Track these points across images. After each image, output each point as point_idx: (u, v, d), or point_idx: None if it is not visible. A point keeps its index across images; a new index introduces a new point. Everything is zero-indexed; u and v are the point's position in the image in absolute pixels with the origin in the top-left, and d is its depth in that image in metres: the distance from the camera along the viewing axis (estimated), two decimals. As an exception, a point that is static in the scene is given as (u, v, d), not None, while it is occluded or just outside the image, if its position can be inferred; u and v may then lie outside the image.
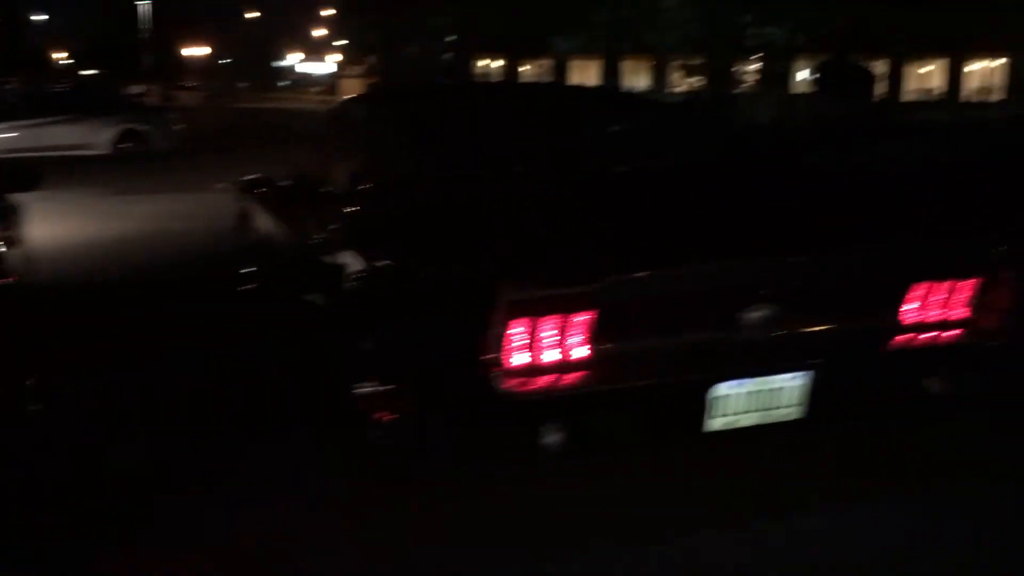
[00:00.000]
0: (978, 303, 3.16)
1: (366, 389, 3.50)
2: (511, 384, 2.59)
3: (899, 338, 3.10)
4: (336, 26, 68.53)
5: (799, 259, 2.95)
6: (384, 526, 3.12)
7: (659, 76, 38.60)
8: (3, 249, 3.35)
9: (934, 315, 3.13)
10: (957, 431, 3.74)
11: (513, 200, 3.10)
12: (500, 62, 44.85)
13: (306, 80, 74.38)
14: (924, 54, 33.74)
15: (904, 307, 3.11)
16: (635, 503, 3.21)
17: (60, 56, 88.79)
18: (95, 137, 16.76)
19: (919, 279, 3.09)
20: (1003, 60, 35.77)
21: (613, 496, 3.26)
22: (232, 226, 5.96)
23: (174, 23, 74.65)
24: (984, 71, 36.89)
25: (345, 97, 5.83)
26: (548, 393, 2.65)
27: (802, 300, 2.94)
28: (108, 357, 4.93)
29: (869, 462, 3.54)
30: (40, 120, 16.40)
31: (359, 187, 3.80)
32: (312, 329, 4.01)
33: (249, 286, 5.73)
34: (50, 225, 8.84)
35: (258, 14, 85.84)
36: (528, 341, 2.63)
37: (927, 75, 37.22)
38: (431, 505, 3.23)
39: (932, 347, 3.11)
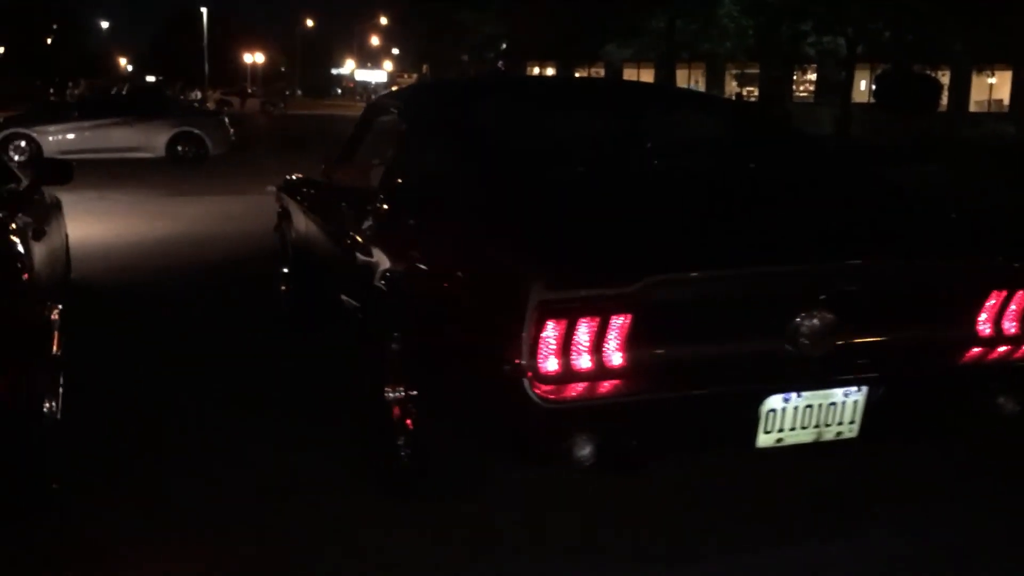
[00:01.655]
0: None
1: (393, 394, 3.35)
2: (543, 391, 2.39)
3: (972, 352, 2.85)
4: (391, 35, 69.14)
5: (863, 264, 2.71)
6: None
7: (714, 85, 38.19)
8: (23, 243, 3.24)
9: (1011, 327, 2.87)
10: None
11: (549, 197, 2.91)
12: (551, 70, 44.79)
13: (363, 88, 75.10)
14: (991, 64, 32.86)
15: (979, 318, 2.86)
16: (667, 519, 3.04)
17: (122, 61, 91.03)
18: (151, 140, 16.95)
19: (995, 288, 2.83)
20: (1072, 71, 34.74)
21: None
22: (273, 226, 5.90)
23: (233, 30, 76.11)
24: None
25: (381, 93, 5.73)
26: (583, 401, 2.45)
27: (863, 309, 2.71)
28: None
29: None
30: (98, 122, 16.64)
31: (390, 186, 3.66)
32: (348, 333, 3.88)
33: (285, 286, 5.66)
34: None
35: (315, 23, 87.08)
36: (562, 345, 2.43)
37: (994, 87, 36.28)
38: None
39: (1008, 362, 2.85)
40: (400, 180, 3.59)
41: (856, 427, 2.75)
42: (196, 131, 17.32)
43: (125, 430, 3.88)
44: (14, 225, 3.31)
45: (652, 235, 2.61)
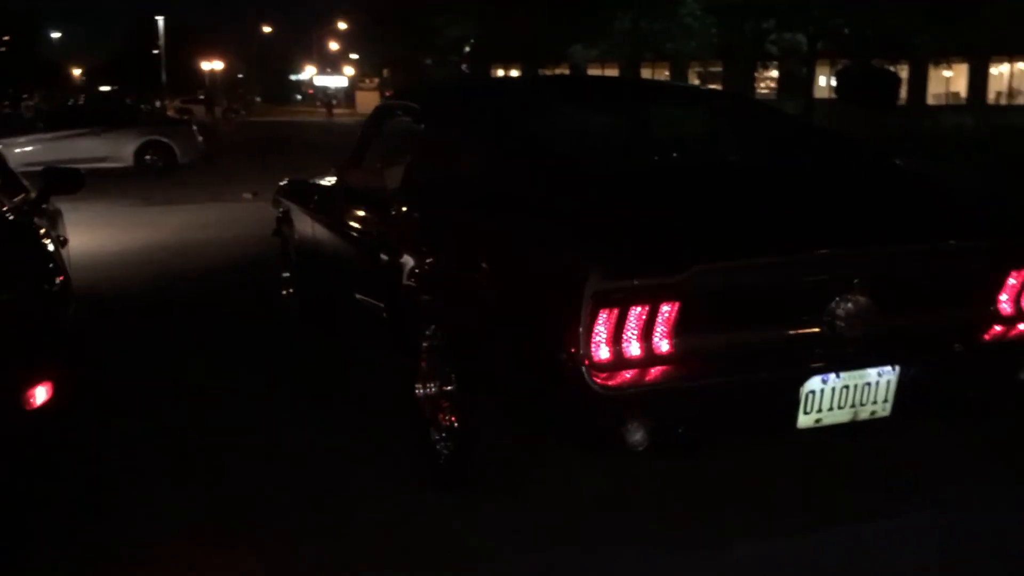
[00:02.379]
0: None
1: (424, 391, 3.38)
2: (600, 378, 2.45)
3: (995, 330, 2.95)
4: (350, 40, 68.82)
5: (893, 247, 2.80)
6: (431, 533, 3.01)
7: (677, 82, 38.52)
8: (54, 248, 3.25)
9: (1032, 305, 2.98)
10: None
11: (596, 191, 2.95)
12: (516, 72, 44.90)
13: (323, 93, 74.64)
14: (947, 58, 33.51)
15: (1000, 297, 2.96)
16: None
17: (76, 72, 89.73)
18: (119, 150, 16.74)
19: (1014, 268, 2.94)
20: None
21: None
22: (273, 230, 5.89)
23: (190, 38, 75.29)
24: (1005, 75, 36.64)
25: (391, 95, 5.75)
26: (634, 388, 2.50)
27: (894, 291, 2.79)
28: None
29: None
30: (65, 133, 16.37)
31: (415, 186, 3.68)
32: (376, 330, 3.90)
33: (289, 290, 5.66)
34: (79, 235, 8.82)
35: (273, 29, 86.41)
36: (614, 333, 2.48)
37: (951, 80, 36.99)
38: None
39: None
40: (424, 178, 3.62)
41: (889, 406, 2.84)
42: (164, 140, 17.11)
43: (154, 432, 3.91)
44: (44, 232, 3.31)
45: (698, 225, 2.68)
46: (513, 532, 3.00)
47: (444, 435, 3.26)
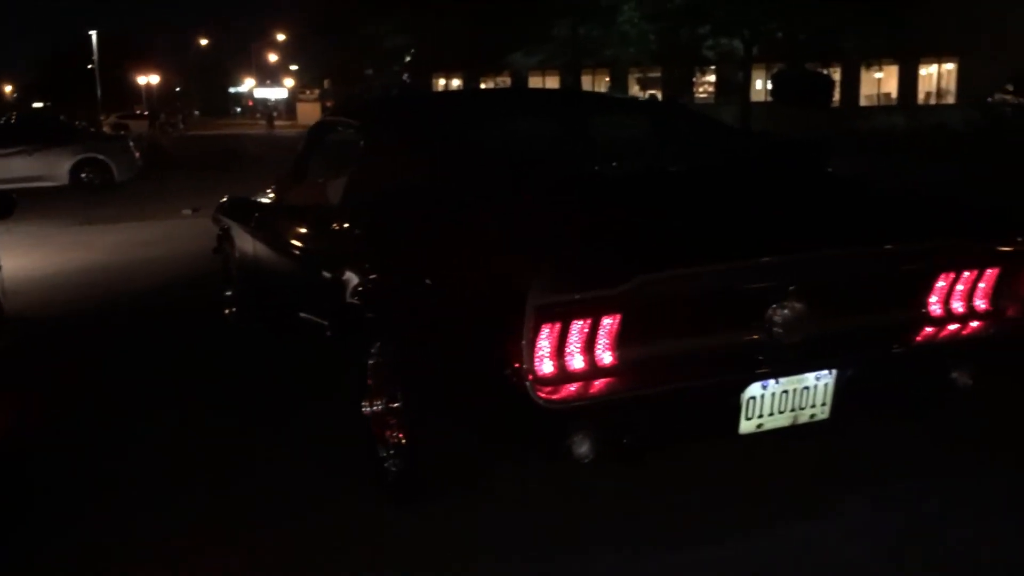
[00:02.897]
0: (1001, 294, 3.11)
1: (371, 408, 3.37)
2: (542, 392, 2.46)
3: (927, 331, 3.04)
4: (290, 51, 68.26)
5: (824, 254, 2.87)
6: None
7: (618, 89, 38.89)
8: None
9: (960, 307, 3.07)
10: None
11: (534, 204, 2.98)
12: (457, 81, 44.92)
13: (263, 105, 73.85)
14: (878, 60, 34.34)
15: (931, 300, 3.05)
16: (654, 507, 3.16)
17: (8, 89, 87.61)
18: (53, 168, 16.38)
19: (943, 271, 3.03)
20: (951, 65, 36.57)
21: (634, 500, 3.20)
22: (213, 248, 5.81)
23: (125, 52, 73.93)
24: (934, 75, 37.67)
25: (328, 112, 5.73)
26: (579, 400, 2.53)
27: (828, 296, 2.86)
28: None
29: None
30: (-9, 153, 15.95)
31: (357, 201, 3.67)
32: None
33: (231, 308, 5.60)
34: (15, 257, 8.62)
35: (210, 41, 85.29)
36: (556, 347, 2.51)
37: (882, 81, 37.92)
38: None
39: (959, 339, 3.05)
40: (365, 193, 3.61)
41: (828, 408, 2.91)
42: (101, 157, 16.79)
43: (109, 448, 3.90)
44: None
45: (636, 237, 2.71)
46: (473, 539, 3.02)
47: (392, 452, 3.26)
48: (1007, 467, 3.47)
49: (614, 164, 3.64)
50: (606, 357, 2.58)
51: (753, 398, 2.78)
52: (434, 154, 3.48)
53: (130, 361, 5.32)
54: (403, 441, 3.19)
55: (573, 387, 2.53)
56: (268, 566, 2.95)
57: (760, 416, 2.81)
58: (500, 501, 3.28)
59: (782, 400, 2.84)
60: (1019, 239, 3.09)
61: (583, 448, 2.56)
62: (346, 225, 3.63)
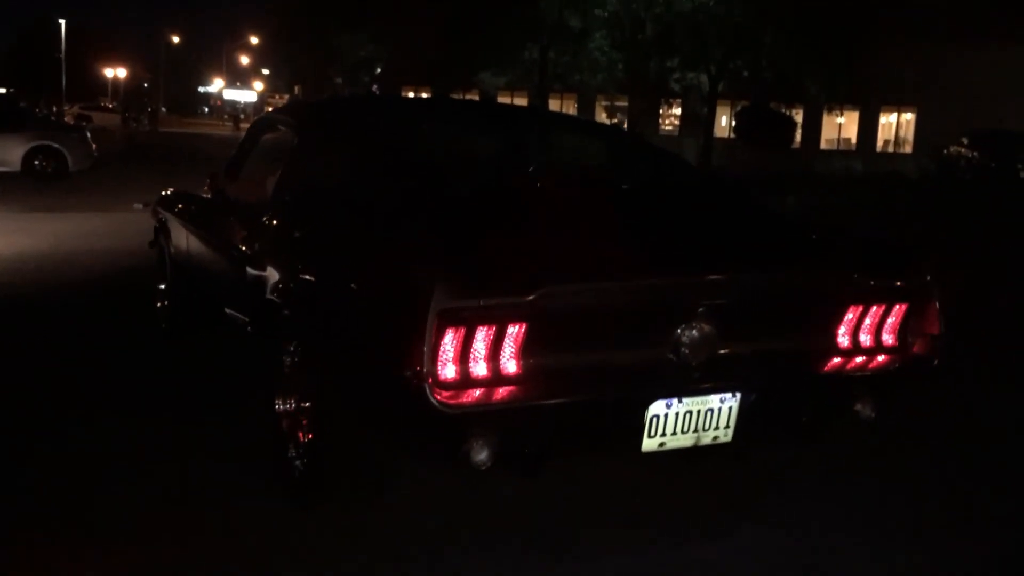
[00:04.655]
0: (907, 329, 3.18)
1: (283, 406, 3.36)
2: (443, 397, 2.47)
3: (833, 362, 3.09)
4: (262, 54, 67.94)
5: (735, 277, 2.92)
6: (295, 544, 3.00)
7: (585, 115, 39.20)
8: None
9: (867, 340, 3.13)
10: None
11: (447, 209, 3.00)
12: (426, 95, 45.00)
13: (231, 107, 73.27)
14: (840, 105, 35.02)
15: (839, 331, 3.11)
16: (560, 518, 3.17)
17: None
18: (6, 154, 16.12)
19: (852, 303, 3.09)
20: (910, 115, 37.43)
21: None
22: (149, 241, 5.76)
23: (93, 43, 73.05)
24: (893, 124, 38.51)
25: (269, 110, 5.73)
26: (480, 407, 2.53)
27: (736, 320, 2.91)
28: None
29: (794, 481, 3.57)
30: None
31: (281, 198, 3.67)
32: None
33: (163, 302, 5.54)
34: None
35: (181, 39, 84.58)
36: (460, 352, 2.52)
37: (843, 126, 38.67)
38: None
39: (865, 372, 3.11)
40: (292, 192, 3.62)
41: (731, 432, 2.95)
42: (55, 145, 16.57)
43: (15, 445, 3.80)
44: None
45: (546, 248, 2.73)
46: (362, 539, 3.03)
47: (301, 451, 3.24)
48: (894, 491, 3.59)
49: (534, 177, 3.67)
50: (510, 365, 2.59)
51: (656, 416, 2.80)
52: (356, 156, 3.49)
53: (45, 352, 5.23)
54: (312, 440, 3.18)
55: (474, 393, 2.54)
56: (167, 566, 2.92)
57: (663, 435, 2.84)
58: (403, 502, 3.29)
59: (686, 420, 2.87)
60: (927, 277, 3.17)
61: (481, 455, 2.56)
62: (271, 222, 3.63)
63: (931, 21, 31.59)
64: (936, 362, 3.17)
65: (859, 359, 3.14)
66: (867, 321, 3.13)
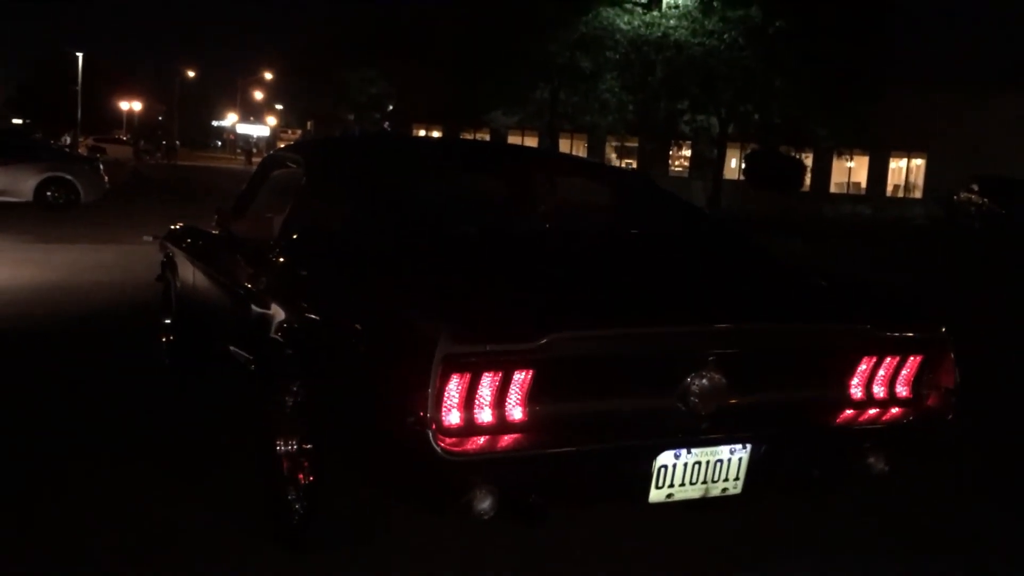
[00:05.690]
0: (921, 382, 3.12)
1: (284, 447, 3.31)
2: (446, 443, 2.42)
3: (846, 414, 3.03)
4: (275, 90, 68.66)
5: (746, 326, 2.87)
6: None
7: (595, 155, 39.39)
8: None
9: (880, 391, 3.07)
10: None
11: (455, 254, 2.97)
12: (437, 133, 45.32)
13: (244, 141, 73.91)
14: (851, 150, 35.13)
15: (851, 382, 3.05)
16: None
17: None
18: (19, 184, 16.25)
19: (866, 355, 3.03)
20: (920, 161, 37.49)
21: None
22: (156, 276, 5.74)
23: (109, 76, 73.93)
24: (903, 169, 38.57)
25: (279, 147, 5.75)
26: (484, 454, 2.48)
27: (747, 370, 2.85)
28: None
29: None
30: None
31: (288, 237, 3.65)
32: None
33: (168, 337, 5.51)
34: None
35: (197, 73, 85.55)
36: (465, 399, 2.46)
37: (853, 170, 38.74)
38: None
39: (878, 425, 3.04)
40: (299, 232, 3.59)
41: (740, 484, 2.87)
42: (68, 176, 16.70)
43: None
44: None
45: (555, 294, 2.69)
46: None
47: (301, 493, 3.18)
48: (895, 548, 3.49)
49: (543, 222, 3.65)
50: (516, 413, 2.54)
51: (665, 467, 2.74)
52: (364, 197, 3.47)
53: (43, 385, 5.18)
54: (313, 483, 3.12)
55: (479, 441, 2.48)
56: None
57: (671, 486, 2.77)
58: (402, 549, 3.22)
59: (694, 471, 2.80)
60: (940, 330, 3.12)
61: (485, 504, 2.50)
62: (277, 261, 3.60)
63: (942, 69, 31.80)
64: (951, 416, 3.10)
65: (872, 411, 3.07)
66: (881, 373, 3.07)
